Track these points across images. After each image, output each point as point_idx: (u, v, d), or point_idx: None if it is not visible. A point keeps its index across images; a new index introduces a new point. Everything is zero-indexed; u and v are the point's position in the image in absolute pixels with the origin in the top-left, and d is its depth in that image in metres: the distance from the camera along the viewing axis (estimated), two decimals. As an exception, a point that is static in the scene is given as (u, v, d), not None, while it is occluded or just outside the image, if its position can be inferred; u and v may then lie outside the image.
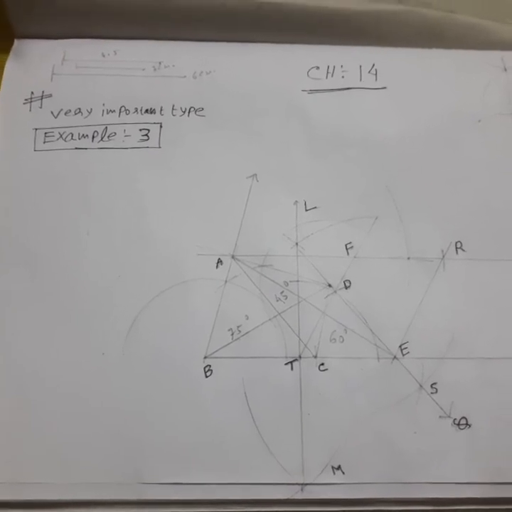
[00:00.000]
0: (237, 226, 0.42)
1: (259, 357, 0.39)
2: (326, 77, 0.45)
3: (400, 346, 0.40)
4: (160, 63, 0.45)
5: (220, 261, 0.41)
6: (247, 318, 0.40)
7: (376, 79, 0.45)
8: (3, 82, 0.44)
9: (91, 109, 0.44)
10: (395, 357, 0.40)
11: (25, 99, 0.44)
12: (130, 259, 0.41)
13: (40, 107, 0.44)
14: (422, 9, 0.45)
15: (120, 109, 0.44)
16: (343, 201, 0.43)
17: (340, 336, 0.40)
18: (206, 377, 0.39)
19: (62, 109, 0.43)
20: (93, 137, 0.43)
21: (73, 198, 0.42)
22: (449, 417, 0.39)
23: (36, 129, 0.43)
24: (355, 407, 0.39)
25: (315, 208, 0.42)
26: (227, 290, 0.40)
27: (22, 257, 0.41)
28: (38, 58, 0.45)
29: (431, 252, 0.42)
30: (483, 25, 0.46)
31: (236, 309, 0.40)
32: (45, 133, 0.43)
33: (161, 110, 0.44)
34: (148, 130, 0.43)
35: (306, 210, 0.42)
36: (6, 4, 0.43)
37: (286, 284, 0.41)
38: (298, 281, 0.41)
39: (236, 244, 0.41)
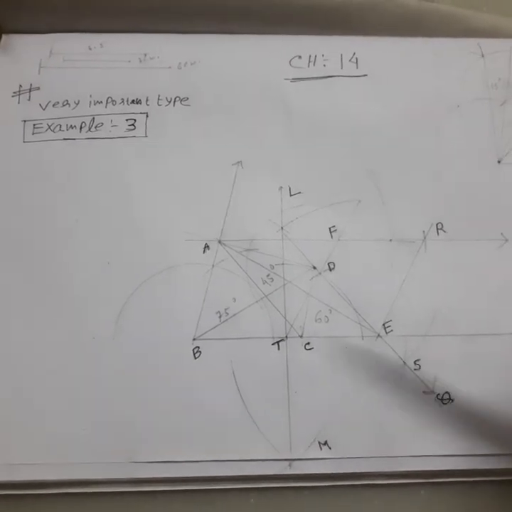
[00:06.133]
0: (224, 212, 0.43)
1: (246, 338, 0.40)
2: (308, 65, 0.46)
3: (384, 325, 0.41)
4: (145, 55, 0.45)
5: (207, 246, 0.42)
6: (235, 301, 0.41)
7: (357, 67, 0.46)
8: (-9, 76, 0.45)
9: (78, 100, 0.44)
10: (378, 335, 0.41)
11: (14, 92, 0.45)
12: (119, 245, 0.42)
13: (29, 100, 0.44)
14: (402, -1, 0.47)
15: (107, 100, 0.44)
16: (326, 186, 0.44)
17: (326, 316, 0.41)
18: (195, 358, 0.40)
19: (50, 101, 0.44)
20: (81, 128, 0.44)
21: (62, 187, 0.43)
22: (433, 392, 0.40)
23: (25, 121, 0.44)
24: (341, 384, 0.40)
25: (299, 193, 0.43)
26: (215, 274, 0.41)
27: (12, 245, 0.42)
28: (26, 52, 0.46)
29: (413, 233, 0.43)
30: (461, 14, 0.48)
31: (223, 292, 0.41)
32: (34, 125, 0.44)
33: (147, 100, 0.44)
34: (135, 120, 0.44)
35: (291, 196, 0.43)
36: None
37: (272, 267, 0.42)
38: (283, 264, 0.42)
39: (222, 229, 0.42)
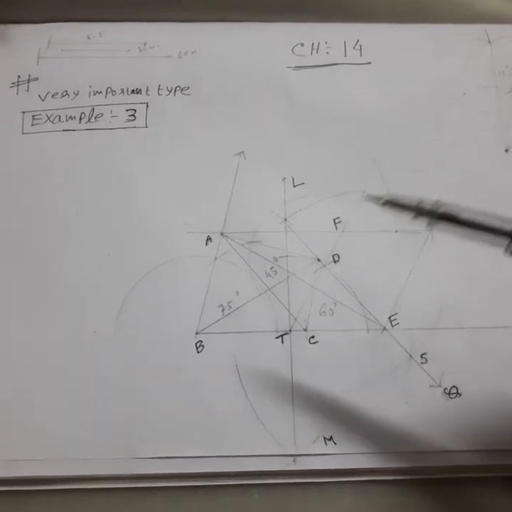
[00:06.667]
0: (226, 203, 0.42)
1: (250, 331, 0.40)
2: (311, 53, 0.45)
3: (390, 318, 0.40)
4: (145, 44, 0.45)
5: (209, 238, 0.41)
6: (238, 294, 0.40)
7: (361, 54, 0.45)
8: (-11, 66, 0.44)
9: (78, 91, 0.44)
10: (384, 328, 0.40)
11: (12, 83, 0.44)
12: (120, 238, 0.41)
13: (27, 91, 0.44)
14: (406, -15, 0.46)
15: (106, 90, 0.44)
16: (330, 176, 0.43)
17: (330, 309, 0.40)
18: (198, 352, 0.39)
19: (49, 92, 0.44)
20: (80, 119, 0.43)
21: (62, 179, 0.42)
22: (440, 386, 0.39)
23: (24, 112, 0.43)
24: (346, 379, 0.39)
25: (303, 183, 0.43)
26: (217, 267, 0.41)
27: (11, 237, 0.41)
28: (24, 42, 0.45)
29: (419, 224, 0.42)
30: (466, -1, 0.47)
31: (226, 285, 0.40)
32: (33, 116, 0.43)
33: (147, 90, 0.44)
34: (135, 110, 0.43)
35: (294, 186, 0.43)
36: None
37: (276, 259, 0.41)
38: (287, 256, 0.41)
39: (225, 221, 0.42)
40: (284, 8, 0.45)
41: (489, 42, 0.45)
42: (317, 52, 0.45)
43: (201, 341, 0.39)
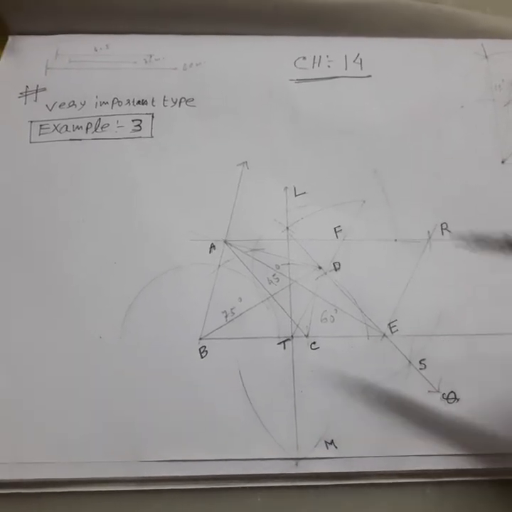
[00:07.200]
0: (229, 212, 0.43)
1: (252, 337, 0.40)
2: (313, 66, 0.46)
3: (389, 324, 0.41)
4: (151, 56, 0.46)
5: (213, 246, 0.42)
6: (241, 301, 0.41)
7: (361, 68, 0.46)
8: (-2, 77, 0.45)
9: (84, 101, 0.45)
10: (384, 335, 0.41)
11: (21, 93, 0.45)
12: (124, 246, 0.42)
13: (35, 101, 0.45)
14: (405, 0, 0.47)
15: (113, 101, 0.45)
16: (331, 186, 0.44)
17: (331, 316, 0.41)
18: (202, 358, 0.40)
19: (56, 102, 0.45)
20: (87, 128, 0.44)
21: (68, 187, 0.43)
22: (438, 391, 0.40)
23: (32, 122, 0.44)
24: (347, 384, 0.40)
25: (304, 193, 0.44)
26: (221, 274, 0.42)
27: (18, 245, 0.42)
28: (32, 53, 0.46)
29: (417, 233, 0.43)
30: (465, 15, 0.48)
31: (229, 292, 0.41)
32: (41, 125, 0.44)
33: (153, 101, 0.45)
34: (141, 121, 0.44)
35: (296, 196, 0.43)
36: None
37: (278, 267, 0.42)
38: (289, 264, 0.42)
39: (228, 229, 0.42)
40: (287, 23, 0.46)
41: (486, 57, 0.47)
42: (319, 65, 0.46)
43: (205, 347, 0.40)
